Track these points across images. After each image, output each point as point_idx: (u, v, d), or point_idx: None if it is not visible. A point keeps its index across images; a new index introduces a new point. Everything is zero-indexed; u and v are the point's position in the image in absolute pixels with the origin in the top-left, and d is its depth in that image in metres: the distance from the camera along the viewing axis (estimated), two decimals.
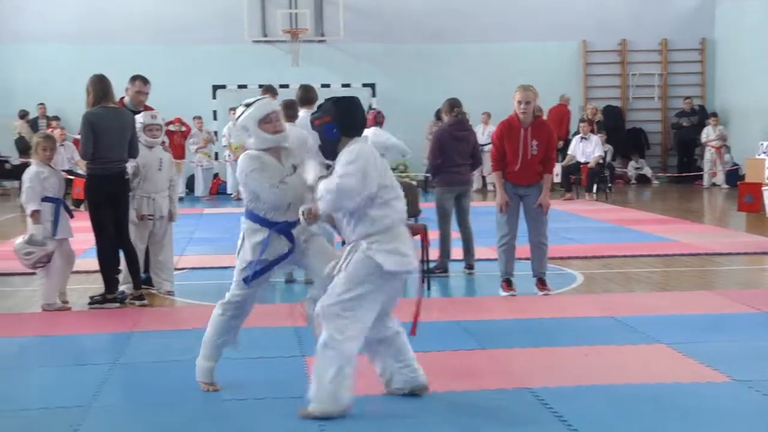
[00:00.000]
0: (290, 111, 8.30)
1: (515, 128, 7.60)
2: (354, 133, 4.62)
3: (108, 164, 7.27)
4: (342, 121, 4.59)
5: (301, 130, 7.74)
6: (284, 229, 4.87)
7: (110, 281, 7.39)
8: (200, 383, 5.06)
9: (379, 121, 10.76)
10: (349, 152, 4.52)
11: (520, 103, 7.55)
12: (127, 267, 7.51)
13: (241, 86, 19.31)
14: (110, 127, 7.23)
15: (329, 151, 4.63)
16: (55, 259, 7.35)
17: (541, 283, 7.79)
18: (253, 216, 4.93)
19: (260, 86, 17.64)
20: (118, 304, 7.43)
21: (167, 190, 7.95)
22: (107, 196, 7.29)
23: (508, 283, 7.80)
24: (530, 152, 7.59)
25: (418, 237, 8.20)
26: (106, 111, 7.25)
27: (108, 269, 7.38)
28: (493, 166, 7.81)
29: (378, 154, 4.63)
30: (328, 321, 4.50)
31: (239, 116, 4.93)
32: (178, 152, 17.27)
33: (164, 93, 18.31)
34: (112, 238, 7.32)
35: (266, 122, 4.88)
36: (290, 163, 4.93)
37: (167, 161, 7.94)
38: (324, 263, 4.81)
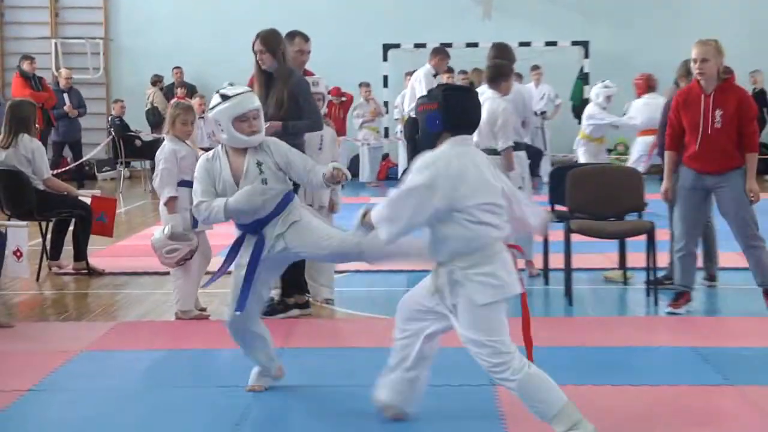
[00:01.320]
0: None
1: (694, 96, 7.41)
2: (461, 130, 4.74)
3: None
4: (450, 112, 4.70)
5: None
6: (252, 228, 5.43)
7: (294, 283, 7.58)
8: None
9: (651, 85, 11.37)
10: (430, 156, 4.66)
11: (695, 61, 7.36)
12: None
13: (418, 45, 19.46)
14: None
15: (428, 144, 4.75)
16: (194, 256, 7.60)
17: None
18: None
19: (443, 44, 17.79)
20: (299, 312, 7.63)
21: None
22: None
23: (677, 298, 7.64)
24: (714, 125, 7.34)
25: (643, 238, 8.04)
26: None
27: (296, 267, 7.48)
28: (666, 144, 7.68)
29: (479, 160, 4.71)
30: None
31: (213, 107, 5.36)
32: (338, 127, 17.60)
33: (322, 54, 18.76)
34: None
35: (242, 120, 5.34)
36: (272, 161, 5.39)
37: (329, 138, 8.06)
38: (313, 236, 5.37)
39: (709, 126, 7.40)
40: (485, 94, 8.52)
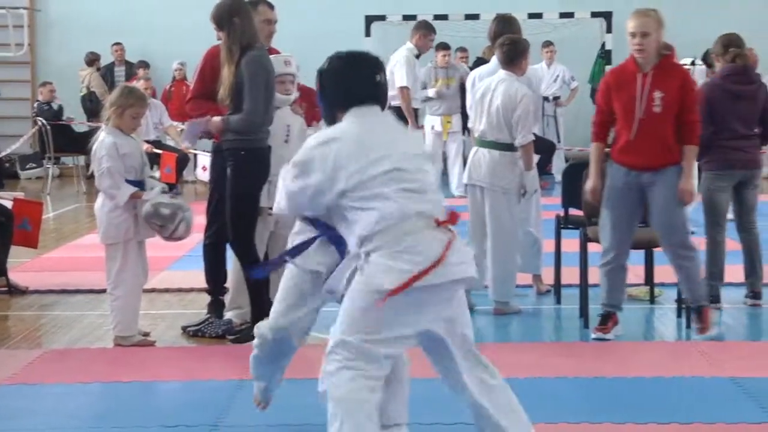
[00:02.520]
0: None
1: (628, 75, 7.45)
2: (353, 104, 4.86)
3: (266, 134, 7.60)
4: (328, 88, 4.94)
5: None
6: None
7: (264, 305, 7.63)
8: None
9: None
10: (317, 135, 4.88)
11: (633, 35, 7.41)
12: (249, 289, 7.70)
13: (407, 17, 19.50)
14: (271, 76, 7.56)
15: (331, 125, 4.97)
16: (133, 271, 7.64)
17: (699, 317, 7.67)
18: None
19: (435, 17, 17.83)
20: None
21: None
22: (263, 181, 7.61)
23: (603, 320, 7.73)
24: (651, 109, 7.42)
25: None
26: (265, 52, 7.60)
27: (263, 289, 7.54)
28: (592, 134, 7.73)
29: (380, 128, 4.83)
30: None
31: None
32: (314, 116, 17.63)
33: (294, 29, 18.79)
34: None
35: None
36: None
37: (298, 129, 8.12)
38: None
39: (646, 111, 7.45)
40: (498, 75, 8.57)
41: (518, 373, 6.75)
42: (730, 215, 8.77)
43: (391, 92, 11.11)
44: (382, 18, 19.92)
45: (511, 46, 8.66)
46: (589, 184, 7.73)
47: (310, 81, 14.17)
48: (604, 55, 19.87)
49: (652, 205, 7.60)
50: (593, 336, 7.75)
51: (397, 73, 11.99)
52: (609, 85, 7.64)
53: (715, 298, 8.63)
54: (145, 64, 19.05)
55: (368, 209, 4.66)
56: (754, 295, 8.74)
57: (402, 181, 4.70)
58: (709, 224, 8.67)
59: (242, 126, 7.47)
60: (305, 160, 4.79)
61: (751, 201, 8.74)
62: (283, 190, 4.91)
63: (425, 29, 11.40)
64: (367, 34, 19.91)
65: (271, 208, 8.00)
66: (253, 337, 7.52)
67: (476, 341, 7.64)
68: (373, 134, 4.79)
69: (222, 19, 7.49)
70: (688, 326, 8.04)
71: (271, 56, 7.88)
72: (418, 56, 13.20)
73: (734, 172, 8.64)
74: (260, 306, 7.53)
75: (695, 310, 7.77)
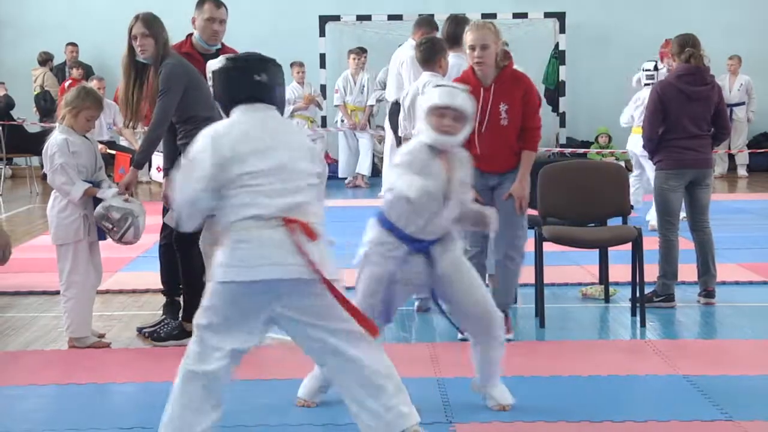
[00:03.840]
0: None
1: (471, 89, 7.37)
2: (231, 104, 5.14)
3: None
4: (216, 86, 5.23)
5: None
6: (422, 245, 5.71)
7: (195, 305, 7.61)
8: None
9: None
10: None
11: (472, 48, 7.40)
12: (184, 284, 7.70)
13: (362, 17, 19.52)
14: (201, 80, 7.54)
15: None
16: (84, 272, 7.61)
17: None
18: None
19: (389, 17, 17.83)
20: None
21: None
22: None
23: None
24: (498, 122, 7.48)
25: (628, 247, 8.15)
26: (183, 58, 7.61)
27: (197, 287, 7.57)
28: None
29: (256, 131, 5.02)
30: None
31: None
32: None
33: (248, 28, 18.73)
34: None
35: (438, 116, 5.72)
36: None
37: None
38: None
39: (492, 124, 7.47)
40: (422, 77, 8.61)
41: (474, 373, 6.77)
42: (683, 214, 8.84)
43: (402, 92, 11.10)
44: (337, 18, 19.90)
45: (428, 44, 8.72)
46: None
47: None
48: (558, 55, 19.96)
49: (496, 205, 7.65)
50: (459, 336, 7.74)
51: (405, 74, 11.78)
52: None
53: (669, 297, 8.69)
54: (90, 70, 18.98)
55: (231, 201, 4.89)
56: (708, 293, 8.80)
57: (267, 175, 4.88)
58: (662, 223, 8.72)
59: (149, 138, 7.52)
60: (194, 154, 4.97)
61: (703, 200, 8.79)
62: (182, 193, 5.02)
63: (428, 26, 11.26)
64: (322, 33, 19.89)
65: None
66: (178, 336, 7.58)
67: (431, 341, 7.74)
68: (253, 129, 4.99)
69: (157, 30, 7.53)
70: (643, 325, 8.10)
71: (225, 55, 7.89)
72: None
73: (686, 171, 8.69)
74: (193, 304, 7.55)
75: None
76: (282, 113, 5.20)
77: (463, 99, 5.79)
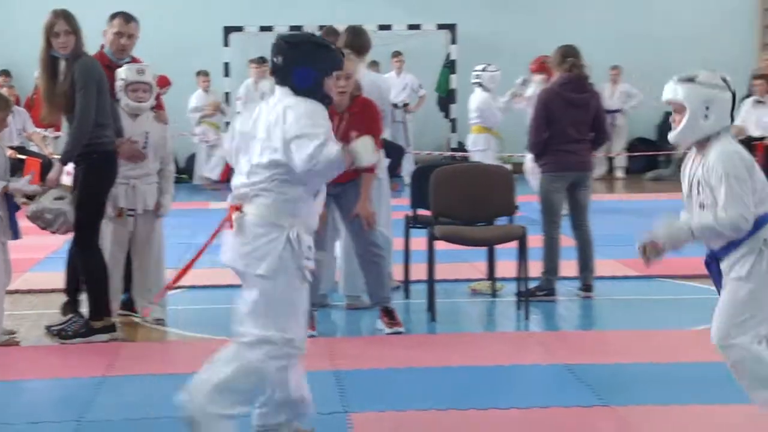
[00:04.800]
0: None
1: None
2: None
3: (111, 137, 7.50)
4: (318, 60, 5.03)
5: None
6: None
7: (101, 303, 7.54)
8: None
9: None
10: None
11: (337, 78, 7.25)
12: (87, 283, 7.63)
13: (264, 28, 19.43)
14: (107, 87, 7.46)
15: None
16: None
17: (386, 315, 7.76)
18: None
19: (290, 28, 17.73)
20: (108, 336, 7.56)
21: (155, 175, 8.06)
22: (110, 182, 7.51)
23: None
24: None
25: (514, 245, 8.22)
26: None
27: (102, 286, 7.50)
28: None
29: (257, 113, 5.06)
30: None
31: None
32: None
33: (152, 38, 18.54)
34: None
35: None
36: None
37: (156, 135, 8.06)
38: None
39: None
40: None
41: (371, 365, 6.80)
42: (565, 212, 8.93)
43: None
44: (240, 29, 19.79)
45: None
46: None
47: (176, 89, 13.85)
48: (450, 65, 20.06)
49: (341, 212, 7.78)
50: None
51: None
52: None
53: (551, 291, 8.77)
54: (6, 73, 18.65)
55: None
56: (587, 288, 8.89)
57: (241, 158, 5.05)
58: (546, 222, 8.80)
59: (72, 139, 7.38)
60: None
61: (583, 201, 8.90)
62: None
63: (334, 35, 11.24)
64: (226, 44, 19.77)
65: (131, 210, 7.96)
66: (85, 334, 7.49)
67: (329, 335, 7.74)
68: (258, 111, 5.02)
69: (77, 27, 7.41)
70: (527, 318, 8.17)
71: (127, 65, 7.91)
72: None
73: (568, 173, 8.79)
74: (98, 302, 7.50)
75: (384, 311, 7.79)
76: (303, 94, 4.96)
77: None
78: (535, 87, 13.38)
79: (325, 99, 5.02)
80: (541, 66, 13.38)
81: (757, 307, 4.93)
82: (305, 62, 4.96)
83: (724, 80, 5.02)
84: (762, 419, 5.33)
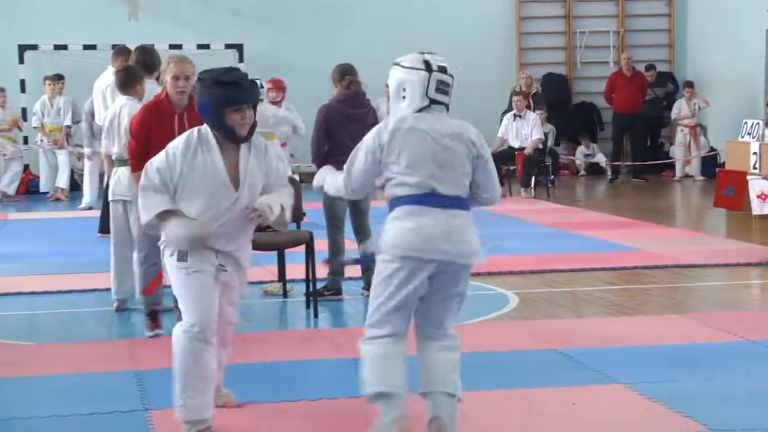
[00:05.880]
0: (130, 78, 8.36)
1: (166, 113, 7.37)
2: None
3: None
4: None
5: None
6: None
7: None
8: None
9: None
10: None
11: (176, 78, 7.29)
12: None
13: (59, 47, 18.98)
14: None
15: None
16: None
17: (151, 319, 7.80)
18: None
19: (84, 47, 17.37)
20: None
21: None
22: None
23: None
24: None
25: (302, 249, 8.27)
26: None
27: None
28: (132, 165, 7.54)
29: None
30: None
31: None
32: None
33: None
34: None
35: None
36: None
37: None
38: None
39: None
40: (119, 100, 8.50)
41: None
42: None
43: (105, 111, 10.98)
44: (35, 47, 19.26)
45: (125, 72, 8.60)
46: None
47: None
48: None
49: None
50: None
51: (109, 97, 11.41)
52: (147, 119, 7.35)
53: (337, 291, 8.86)
54: None
55: None
56: (370, 286, 8.99)
57: None
58: (331, 227, 8.88)
59: None
60: None
61: (363, 207, 9.00)
62: None
63: (125, 54, 11.04)
64: (21, 61, 19.21)
65: None
66: None
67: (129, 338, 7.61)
68: None
69: None
70: (316, 316, 8.23)
71: None
72: None
73: None
74: None
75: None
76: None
77: None
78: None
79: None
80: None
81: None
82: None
83: (426, 62, 5.00)
84: (526, 402, 5.50)
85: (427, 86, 4.96)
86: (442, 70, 4.99)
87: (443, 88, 4.99)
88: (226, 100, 5.26)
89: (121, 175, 8.30)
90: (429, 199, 4.88)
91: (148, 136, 7.30)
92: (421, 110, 4.97)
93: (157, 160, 5.36)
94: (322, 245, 8.70)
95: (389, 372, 4.90)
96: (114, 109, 8.49)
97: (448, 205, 4.89)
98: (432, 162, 4.89)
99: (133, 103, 8.32)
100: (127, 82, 8.53)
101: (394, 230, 4.93)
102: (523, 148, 16.92)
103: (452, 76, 5.02)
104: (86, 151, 15.46)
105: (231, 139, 5.31)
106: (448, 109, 5.04)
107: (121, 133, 8.21)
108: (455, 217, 4.89)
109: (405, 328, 5.00)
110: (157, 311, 7.66)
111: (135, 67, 8.76)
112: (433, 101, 4.97)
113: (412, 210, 4.89)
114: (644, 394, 5.94)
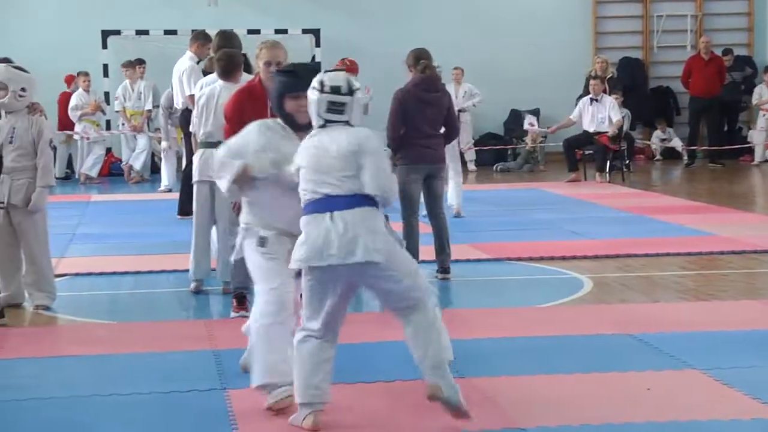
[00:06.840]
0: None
1: (260, 98, 7.20)
2: None
3: None
4: None
5: None
6: None
7: None
8: None
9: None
10: None
11: (269, 64, 7.15)
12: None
13: (140, 32, 19.18)
14: None
15: None
16: None
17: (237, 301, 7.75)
18: None
19: (165, 32, 17.56)
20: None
21: (29, 170, 7.85)
22: None
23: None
24: None
25: None
26: None
27: None
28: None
29: None
30: None
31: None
32: None
33: (35, 40, 18.17)
34: None
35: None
36: None
37: (21, 130, 7.86)
38: None
39: None
40: (218, 83, 8.43)
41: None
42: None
43: (182, 99, 11.43)
44: (117, 32, 19.48)
45: (226, 60, 8.54)
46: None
47: (50, 89, 13.52)
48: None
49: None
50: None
51: (185, 81, 11.50)
52: (242, 102, 7.29)
53: None
54: None
55: None
56: (444, 270, 8.98)
57: None
58: (405, 211, 8.86)
59: None
60: None
61: (438, 190, 8.99)
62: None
63: (204, 39, 11.10)
64: (104, 46, 19.44)
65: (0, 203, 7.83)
66: None
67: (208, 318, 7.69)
68: None
69: None
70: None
71: None
72: (198, 62, 12.53)
73: (424, 166, 8.87)
74: None
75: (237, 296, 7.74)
76: None
77: None
78: None
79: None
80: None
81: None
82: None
83: (321, 83, 5.17)
84: (601, 386, 5.47)
85: (318, 107, 5.19)
86: (335, 90, 5.18)
87: (335, 108, 5.18)
88: (284, 87, 5.55)
89: (209, 156, 8.30)
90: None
91: (242, 120, 7.29)
92: (321, 127, 5.20)
93: (232, 140, 5.74)
94: (397, 228, 8.66)
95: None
96: (212, 90, 8.44)
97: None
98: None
99: (232, 86, 8.20)
100: (231, 68, 8.42)
101: None
102: (598, 133, 16.73)
103: (350, 94, 5.19)
104: (163, 144, 15.57)
105: (291, 126, 5.52)
106: (349, 124, 5.22)
107: (217, 113, 8.15)
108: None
109: None
110: (245, 294, 7.67)
111: (237, 52, 8.66)
112: (327, 121, 5.20)
113: None
114: (720, 380, 5.85)
